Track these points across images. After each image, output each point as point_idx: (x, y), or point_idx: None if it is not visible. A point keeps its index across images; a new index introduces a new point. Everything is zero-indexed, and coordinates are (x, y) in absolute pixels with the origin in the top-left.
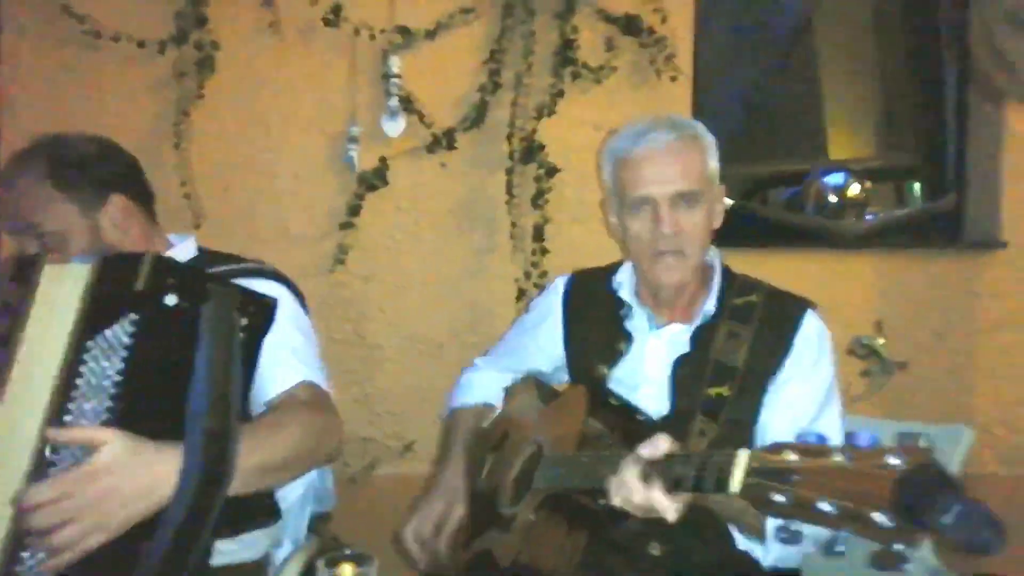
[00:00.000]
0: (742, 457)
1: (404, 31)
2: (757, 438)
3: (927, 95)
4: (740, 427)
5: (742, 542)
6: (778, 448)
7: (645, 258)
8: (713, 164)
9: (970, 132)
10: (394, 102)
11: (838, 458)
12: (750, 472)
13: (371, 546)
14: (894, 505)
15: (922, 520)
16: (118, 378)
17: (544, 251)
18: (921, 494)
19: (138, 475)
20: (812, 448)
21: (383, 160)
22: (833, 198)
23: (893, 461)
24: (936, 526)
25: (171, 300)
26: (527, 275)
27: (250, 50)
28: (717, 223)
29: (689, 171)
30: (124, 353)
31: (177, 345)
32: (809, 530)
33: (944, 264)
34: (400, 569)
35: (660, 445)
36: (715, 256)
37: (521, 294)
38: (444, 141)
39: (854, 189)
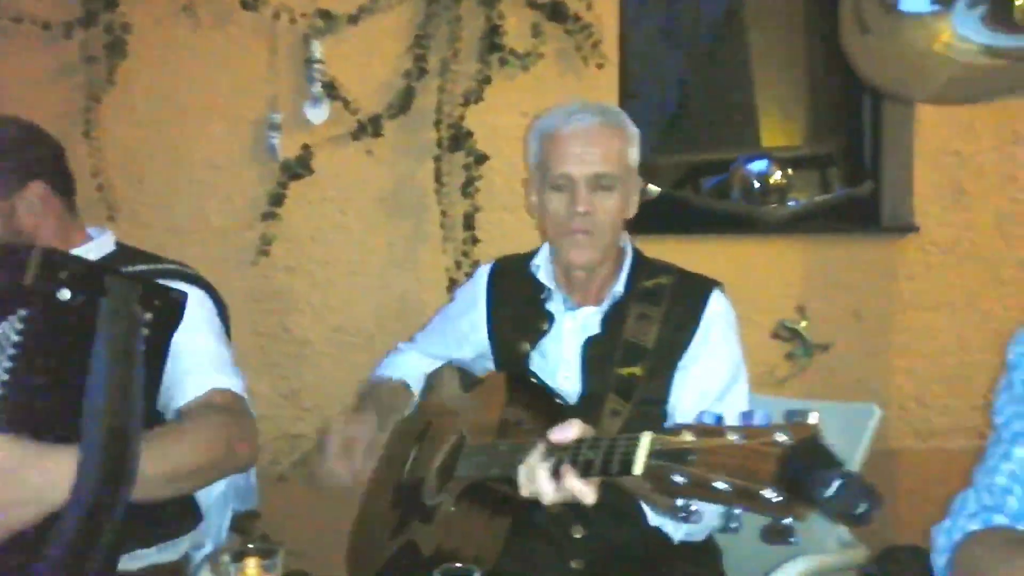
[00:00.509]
0: (645, 440)
1: (326, 15)
2: (669, 416)
3: (848, 85)
4: (653, 406)
5: (653, 518)
6: (678, 429)
7: (559, 235)
8: (634, 155)
9: (885, 121)
10: (317, 88)
11: (732, 437)
12: (652, 454)
13: (304, 544)
14: (780, 481)
15: (805, 494)
16: (5, 377)
17: (475, 240)
18: (804, 469)
19: (24, 480)
20: (708, 428)
21: (306, 148)
22: (757, 185)
23: (781, 438)
24: (818, 499)
25: (65, 295)
26: (458, 264)
27: (164, 33)
28: (631, 212)
29: (610, 155)
30: (12, 351)
31: (73, 341)
32: (705, 507)
33: (862, 248)
34: (334, 567)
35: (570, 431)
36: (627, 242)
37: (452, 284)
38: (370, 128)
39: (776, 176)
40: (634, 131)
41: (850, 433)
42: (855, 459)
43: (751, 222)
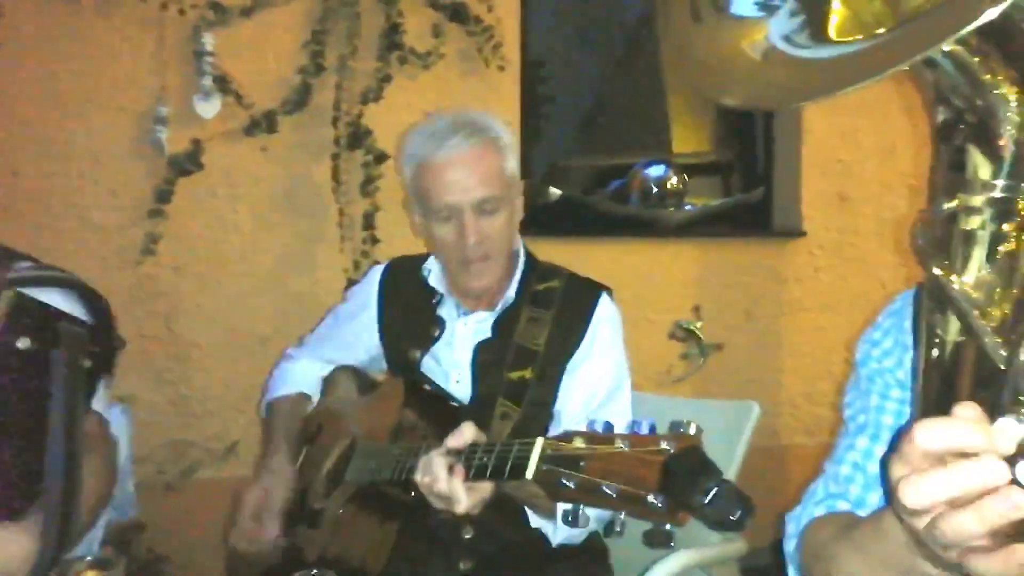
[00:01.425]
0: (537, 445)
1: (217, 7)
2: (557, 418)
3: None
4: (542, 409)
5: (535, 520)
6: (569, 436)
7: (453, 263)
8: (512, 165)
9: (776, 130)
10: (208, 81)
11: (620, 445)
12: (543, 459)
13: (192, 554)
14: (662, 487)
15: (685, 501)
16: None
17: (375, 240)
18: (684, 477)
19: None
20: (598, 436)
21: (196, 143)
22: (655, 189)
23: (664, 446)
24: (696, 506)
25: (24, 343)
26: (356, 265)
27: (41, 21)
28: (520, 217)
29: (490, 177)
30: None
31: (24, 394)
32: (593, 512)
33: (754, 251)
34: None
35: (466, 435)
36: (519, 245)
37: (350, 284)
38: (264, 124)
39: (674, 181)
40: (507, 139)
41: (733, 430)
42: (737, 454)
43: (650, 225)
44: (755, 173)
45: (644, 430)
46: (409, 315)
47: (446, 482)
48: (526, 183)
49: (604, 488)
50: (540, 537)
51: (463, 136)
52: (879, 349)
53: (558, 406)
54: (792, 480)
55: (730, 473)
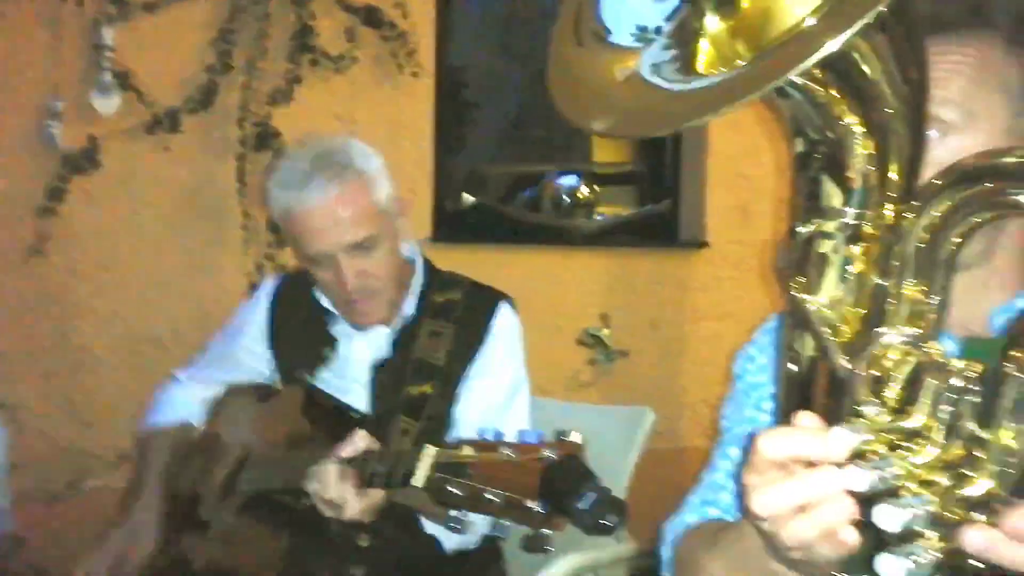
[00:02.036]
0: (428, 453)
1: (119, 1)
2: (455, 428)
3: None
4: (442, 422)
5: (429, 526)
6: (459, 444)
7: (339, 304)
8: (383, 194)
9: (683, 145)
10: (107, 77)
11: (505, 452)
12: (433, 467)
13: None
14: (542, 494)
15: (563, 507)
16: None
17: (281, 244)
18: (563, 484)
19: None
20: (486, 444)
21: (93, 140)
22: (567, 199)
23: (547, 454)
24: (573, 511)
25: None
26: (260, 269)
27: None
28: (405, 236)
29: (359, 217)
30: None
31: None
32: (480, 519)
33: (660, 261)
34: None
35: (358, 443)
36: (416, 254)
37: (253, 289)
38: (167, 122)
39: (584, 191)
40: (374, 167)
41: (628, 435)
42: (630, 458)
43: (561, 234)
44: (664, 185)
45: (531, 438)
46: (300, 334)
47: (337, 488)
48: (437, 190)
49: (488, 495)
50: (434, 543)
51: (324, 180)
52: (754, 364)
53: (457, 416)
54: (691, 481)
55: (623, 477)
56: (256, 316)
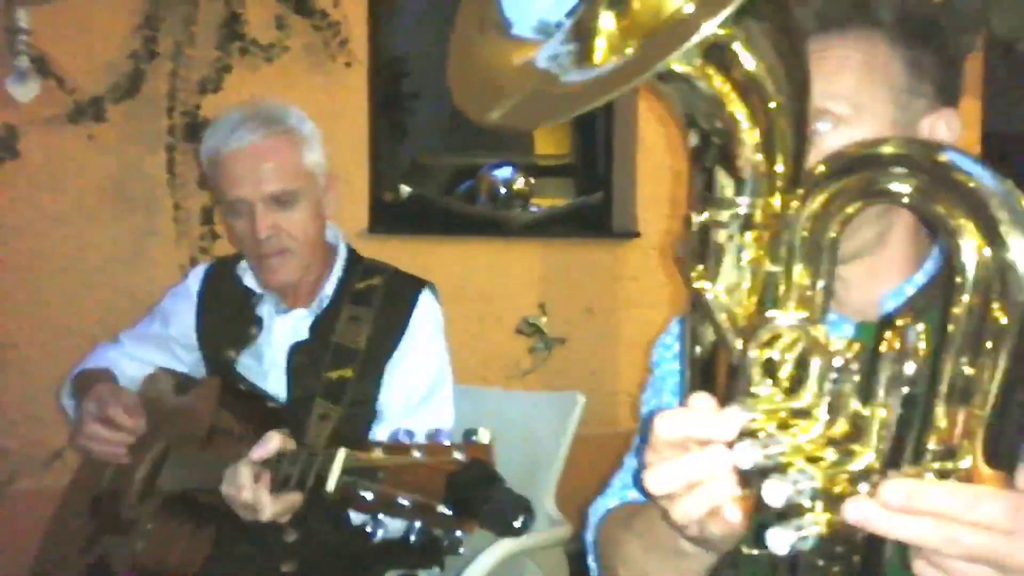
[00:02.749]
0: (340, 456)
1: None
2: (379, 416)
3: None
4: (363, 407)
5: (357, 517)
6: (370, 446)
7: (251, 258)
8: (312, 157)
9: (615, 137)
10: (23, 62)
11: (416, 455)
12: (345, 471)
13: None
14: (448, 498)
15: (471, 509)
16: None
17: (214, 235)
18: (471, 486)
19: None
20: (397, 446)
21: (10, 128)
22: (503, 190)
23: (456, 456)
24: (480, 514)
25: None
26: (193, 261)
27: None
28: (330, 212)
29: (282, 170)
30: None
31: None
32: (392, 521)
33: (594, 251)
34: None
35: (271, 445)
36: (339, 239)
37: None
38: (90, 111)
39: (520, 183)
40: (307, 132)
41: (560, 420)
42: (563, 442)
43: (498, 225)
44: (598, 178)
45: (442, 439)
46: (227, 317)
47: (251, 492)
48: (373, 179)
49: (399, 499)
50: (364, 535)
51: (250, 128)
52: (670, 352)
53: (380, 404)
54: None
55: (557, 461)
56: (184, 301)
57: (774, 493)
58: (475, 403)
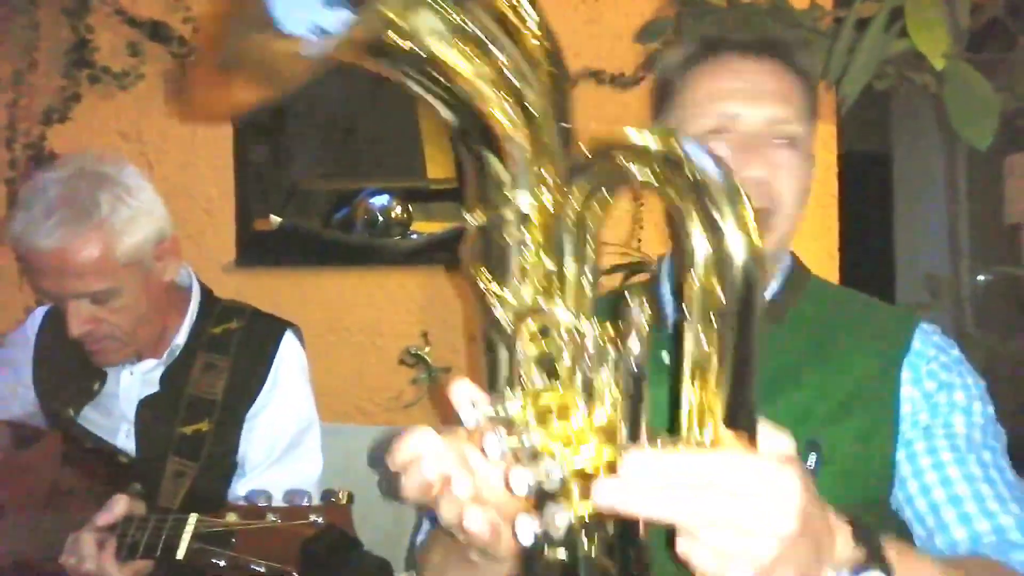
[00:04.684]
0: (190, 523)
1: None
2: (240, 468)
3: None
4: (222, 462)
5: None
6: (225, 510)
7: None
8: (131, 243)
9: None
10: None
11: (271, 518)
12: (196, 537)
13: None
14: (304, 564)
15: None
16: None
17: None
18: (323, 553)
19: None
20: (252, 509)
21: None
22: (380, 218)
23: (313, 519)
24: None
25: None
26: (40, 303)
27: None
28: (170, 276)
29: (94, 271)
30: None
31: None
32: None
33: None
34: None
35: (116, 510)
36: (193, 280)
37: None
38: None
39: (397, 211)
40: (124, 214)
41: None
42: None
43: (378, 254)
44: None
45: (300, 500)
46: (67, 368)
47: (94, 561)
48: (240, 208)
49: (252, 566)
50: None
51: (57, 221)
52: None
53: (240, 456)
54: None
55: None
56: (21, 348)
57: (517, 480)
58: (354, 442)
